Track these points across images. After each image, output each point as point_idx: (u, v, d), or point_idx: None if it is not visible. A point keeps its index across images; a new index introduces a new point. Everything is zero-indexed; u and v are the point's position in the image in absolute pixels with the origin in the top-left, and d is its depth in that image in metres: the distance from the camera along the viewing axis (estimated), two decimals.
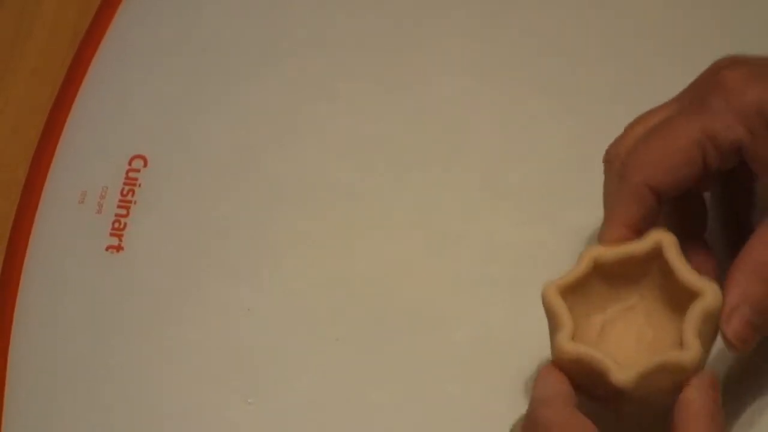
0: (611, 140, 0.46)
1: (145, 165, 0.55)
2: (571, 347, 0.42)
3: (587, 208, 0.49)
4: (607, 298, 0.44)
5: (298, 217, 0.53)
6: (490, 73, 0.56)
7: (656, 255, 0.43)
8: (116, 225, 0.54)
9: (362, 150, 0.55)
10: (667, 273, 0.43)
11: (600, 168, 0.46)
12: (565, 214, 0.52)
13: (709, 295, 0.42)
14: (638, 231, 0.43)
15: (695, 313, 0.42)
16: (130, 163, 0.55)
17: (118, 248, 0.53)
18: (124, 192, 0.54)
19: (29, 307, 0.52)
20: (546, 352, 0.44)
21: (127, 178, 0.55)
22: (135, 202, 0.54)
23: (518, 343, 0.49)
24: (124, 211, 0.54)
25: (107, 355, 0.51)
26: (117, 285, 0.52)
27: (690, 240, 0.45)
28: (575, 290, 0.44)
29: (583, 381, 0.43)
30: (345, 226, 0.53)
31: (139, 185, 0.54)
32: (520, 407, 0.48)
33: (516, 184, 0.53)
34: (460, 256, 0.52)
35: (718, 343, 0.43)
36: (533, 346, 0.47)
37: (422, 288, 0.51)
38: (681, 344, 0.42)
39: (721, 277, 0.44)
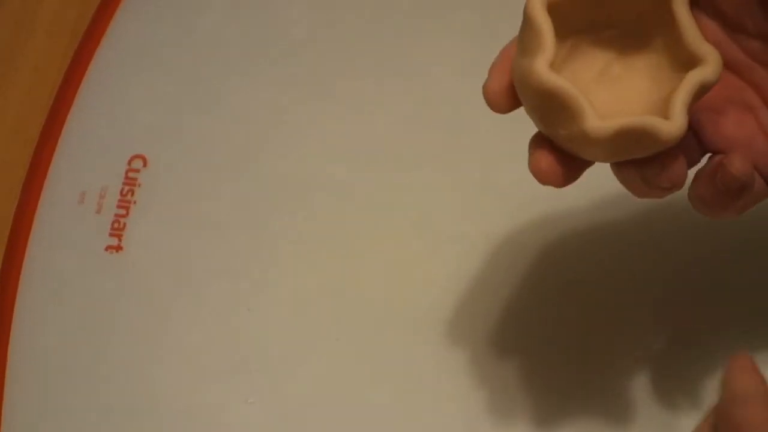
0: None
1: (145, 165, 0.55)
2: (548, 76, 0.36)
3: (587, 208, 0.50)
4: (605, 44, 0.39)
5: (298, 216, 0.53)
6: None
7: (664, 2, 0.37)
8: (116, 225, 0.54)
9: (362, 150, 0.55)
10: (673, 29, 0.37)
11: (600, 168, 0.46)
12: (564, 215, 0.52)
13: (709, 64, 0.37)
14: None
15: (690, 82, 0.36)
16: (129, 163, 0.55)
17: (118, 248, 0.53)
18: (124, 192, 0.54)
19: (29, 307, 0.52)
20: (542, 353, 0.44)
21: (126, 178, 0.55)
22: (134, 202, 0.54)
23: (518, 343, 0.50)
24: (123, 211, 0.54)
25: (107, 355, 0.51)
26: (116, 285, 0.52)
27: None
28: (567, 15, 0.37)
29: (547, 120, 0.38)
30: (345, 226, 0.53)
31: (139, 185, 0.55)
32: (520, 407, 0.48)
33: (515, 183, 0.53)
34: (459, 256, 0.52)
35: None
36: (533, 345, 0.48)
37: (422, 288, 0.51)
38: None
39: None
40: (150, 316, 0.52)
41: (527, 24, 0.37)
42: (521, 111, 0.40)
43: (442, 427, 0.49)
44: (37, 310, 0.52)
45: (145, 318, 0.51)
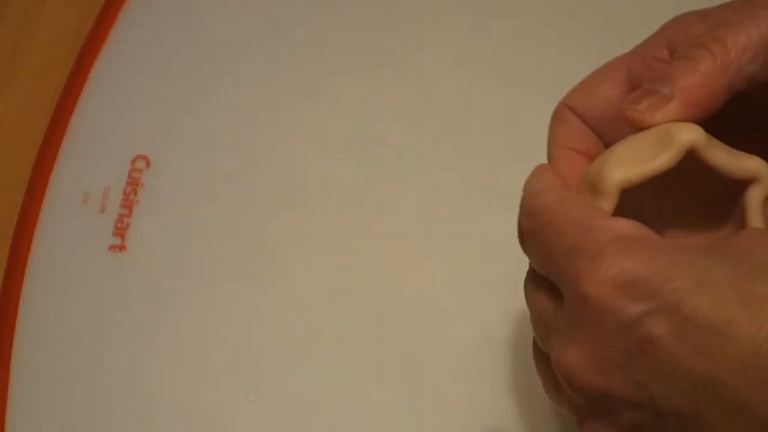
0: None
1: (148, 165, 0.55)
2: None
3: None
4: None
5: (299, 216, 0.54)
6: (490, 74, 0.56)
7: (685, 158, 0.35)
8: (119, 225, 0.54)
9: (362, 150, 0.55)
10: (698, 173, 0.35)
11: None
12: None
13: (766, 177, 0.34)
14: (578, 152, 0.39)
15: (755, 198, 0.34)
16: (132, 164, 0.55)
17: (121, 248, 0.53)
18: (127, 192, 0.55)
19: (33, 307, 0.52)
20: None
21: (129, 178, 0.55)
22: (137, 202, 0.54)
23: (518, 343, 0.50)
24: (126, 211, 0.54)
25: (110, 354, 0.51)
26: (119, 284, 0.52)
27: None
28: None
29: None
30: (345, 226, 0.53)
31: (142, 185, 0.55)
32: (520, 406, 0.48)
33: (516, 183, 0.53)
34: (459, 256, 0.52)
35: None
36: (532, 345, 0.48)
37: (422, 288, 0.51)
38: None
39: None
40: (152, 314, 0.52)
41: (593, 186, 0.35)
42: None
43: (442, 427, 0.49)
44: (40, 309, 0.52)
45: (147, 317, 0.52)
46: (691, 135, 0.34)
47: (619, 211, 0.35)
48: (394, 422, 0.49)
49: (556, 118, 0.40)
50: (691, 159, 0.34)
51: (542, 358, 0.38)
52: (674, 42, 0.38)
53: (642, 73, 0.38)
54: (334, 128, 0.55)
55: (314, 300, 0.52)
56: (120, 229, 0.54)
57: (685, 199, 0.37)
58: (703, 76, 0.35)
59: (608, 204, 0.34)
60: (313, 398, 0.50)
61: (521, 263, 0.52)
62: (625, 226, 0.33)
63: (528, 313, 0.47)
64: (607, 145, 0.38)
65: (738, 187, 0.35)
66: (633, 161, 0.34)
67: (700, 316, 0.30)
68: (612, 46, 0.57)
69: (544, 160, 0.55)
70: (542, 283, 0.36)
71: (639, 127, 0.36)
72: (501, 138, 0.55)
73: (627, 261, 0.31)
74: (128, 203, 0.54)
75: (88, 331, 0.51)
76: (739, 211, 0.36)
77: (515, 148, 0.55)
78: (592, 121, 0.39)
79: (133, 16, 0.59)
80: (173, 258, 0.53)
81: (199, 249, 0.53)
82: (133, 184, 0.55)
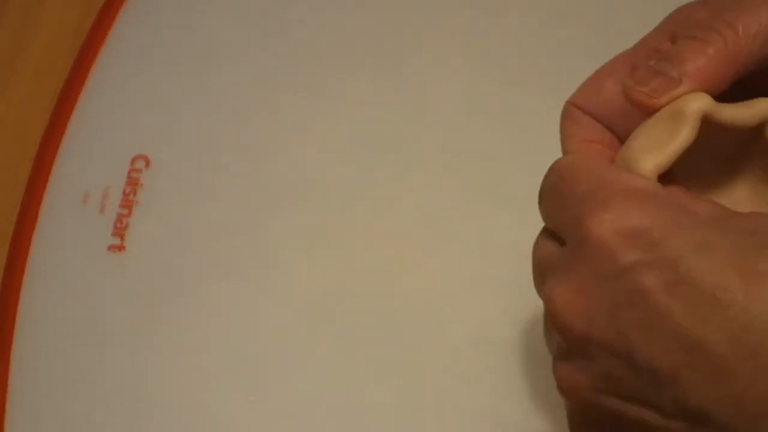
0: None
1: (147, 165, 0.55)
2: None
3: None
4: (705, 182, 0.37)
5: (299, 216, 0.54)
6: (490, 74, 0.56)
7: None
8: (118, 225, 0.54)
9: (362, 150, 0.55)
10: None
11: None
12: None
13: None
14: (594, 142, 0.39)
15: None
16: (132, 164, 0.55)
17: (120, 248, 0.53)
18: (127, 192, 0.55)
19: (32, 307, 0.52)
20: (541, 352, 0.44)
21: (129, 178, 0.55)
22: (137, 202, 0.54)
23: (517, 343, 0.50)
24: (126, 211, 0.54)
25: (109, 354, 0.51)
26: (119, 284, 0.52)
27: None
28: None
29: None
30: (345, 226, 0.53)
31: (141, 185, 0.55)
32: (520, 406, 0.48)
33: (516, 184, 0.53)
34: (459, 256, 0.52)
35: None
36: (531, 345, 0.48)
37: (422, 288, 0.51)
38: None
39: None
40: (152, 314, 0.52)
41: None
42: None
43: (442, 427, 0.49)
44: (40, 309, 0.52)
45: (146, 317, 0.52)
46: (701, 104, 0.34)
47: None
48: (394, 422, 0.49)
49: (566, 116, 0.40)
50: (704, 124, 0.35)
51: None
52: (677, 32, 0.37)
53: (645, 63, 0.38)
54: (334, 128, 0.55)
55: (314, 300, 0.52)
56: (119, 229, 0.54)
57: (703, 160, 0.37)
58: (712, 60, 0.35)
59: (685, 133, 0.34)
60: (313, 398, 0.50)
61: (521, 263, 0.52)
62: (640, 180, 0.33)
63: (528, 314, 0.47)
64: (619, 138, 0.38)
65: (752, 141, 0.36)
66: (656, 147, 0.35)
67: (697, 278, 0.30)
68: (612, 46, 0.57)
69: (544, 159, 0.55)
70: (550, 235, 0.36)
71: (646, 111, 0.36)
72: (501, 138, 0.55)
73: (633, 210, 0.31)
74: (128, 203, 0.54)
75: (87, 331, 0.51)
76: (754, 168, 0.36)
77: (515, 148, 0.55)
78: (600, 116, 0.39)
79: (133, 16, 0.59)
80: (173, 258, 0.53)
81: (199, 249, 0.53)
82: (133, 184, 0.55)
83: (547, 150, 0.54)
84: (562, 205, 0.35)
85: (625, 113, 0.37)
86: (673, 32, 0.37)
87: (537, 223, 0.52)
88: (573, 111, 0.39)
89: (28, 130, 0.56)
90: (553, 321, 0.33)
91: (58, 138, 0.56)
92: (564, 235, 0.35)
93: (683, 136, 0.34)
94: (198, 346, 0.51)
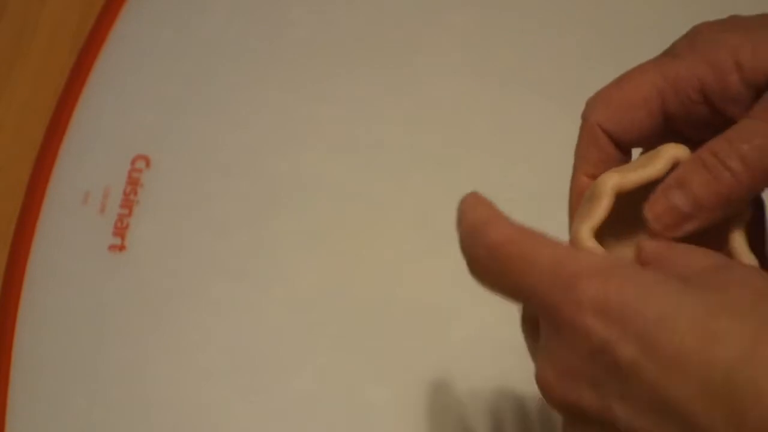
0: None
1: (148, 165, 0.55)
2: (586, 242, 0.38)
3: None
4: (632, 230, 0.39)
5: (299, 217, 0.54)
6: (489, 74, 0.56)
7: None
8: (119, 225, 0.54)
9: (362, 150, 0.55)
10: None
11: None
12: (563, 214, 0.52)
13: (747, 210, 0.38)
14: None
15: (738, 240, 0.37)
16: (132, 164, 0.55)
17: (121, 248, 0.53)
18: (127, 192, 0.55)
19: (33, 306, 0.52)
20: None
21: (129, 178, 0.55)
22: (137, 202, 0.54)
23: (519, 342, 0.50)
24: (126, 211, 0.54)
25: (110, 353, 0.51)
26: (119, 284, 0.52)
27: None
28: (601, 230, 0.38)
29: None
30: (345, 225, 0.53)
31: (142, 185, 0.55)
32: (520, 406, 0.48)
33: (515, 184, 0.53)
34: (459, 256, 0.52)
35: None
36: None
37: (422, 288, 0.52)
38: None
39: None
40: (152, 314, 0.52)
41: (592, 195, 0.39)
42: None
43: (442, 427, 0.49)
44: (41, 308, 0.52)
45: (147, 316, 0.52)
46: (677, 150, 0.38)
47: (617, 218, 0.38)
48: (394, 422, 0.49)
49: (588, 136, 0.40)
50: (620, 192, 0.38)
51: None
52: (706, 79, 0.38)
53: (677, 110, 0.39)
54: (334, 128, 0.55)
55: (314, 300, 0.52)
56: (120, 229, 0.54)
57: (634, 210, 0.39)
58: (723, 197, 0.37)
59: (604, 205, 0.38)
60: (313, 398, 0.50)
61: None
62: (595, 257, 0.35)
63: None
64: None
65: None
66: (627, 170, 0.38)
67: (660, 348, 0.32)
68: (612, 45, 0.57)
69: (543, 159, 0.55)
70: (526, 317, 0.39)
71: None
72: (501, 138, 0.55)
73: (598, 289, 0.33)
74: (128, 203, 0.54)
75: (87, 330, 0.51)
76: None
77: (515, 148, 0.55)
78: (622, 143, 0.40)
79: (133, 16, 0.59)
80: (172, 258, 0.53)
81: (199, 249, 0.53)
82: (133, 184, 0.55)
83: (546, 150, 0.54)
84: (519, 287, 0.36)
85: (648, 137, 0.39)
86: (703, 78, 0.38)
87: (537, 223, 0.52)
88: (597, 133, 0.40)
89: (28, 131, 0.56)
90: (546, 398, 0.36)
91: (59, 138, 0.56)
92: (533, 310, 0.36)
93: (653, 168, 0.38)
94: (197, 345, 0.51)
